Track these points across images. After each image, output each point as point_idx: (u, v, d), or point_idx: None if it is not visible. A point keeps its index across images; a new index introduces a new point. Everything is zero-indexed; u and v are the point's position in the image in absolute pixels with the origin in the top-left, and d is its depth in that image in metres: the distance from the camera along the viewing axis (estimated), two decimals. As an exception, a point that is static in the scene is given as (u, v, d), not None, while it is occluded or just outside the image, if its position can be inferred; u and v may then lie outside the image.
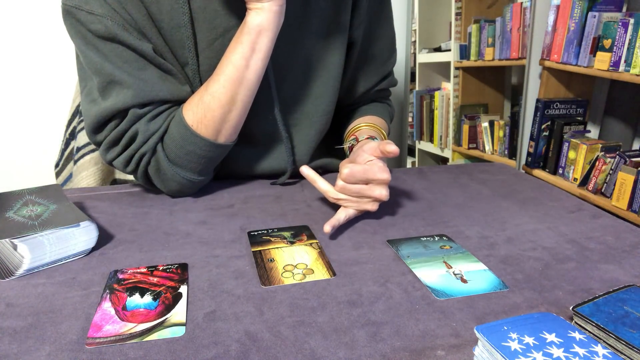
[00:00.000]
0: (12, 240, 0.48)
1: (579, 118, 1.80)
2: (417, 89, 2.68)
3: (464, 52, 2.34)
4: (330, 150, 0.88)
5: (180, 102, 0.70)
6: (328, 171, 0.87)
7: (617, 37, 1.47)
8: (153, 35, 0.67)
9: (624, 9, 1.65)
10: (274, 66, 0.72)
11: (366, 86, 0.86)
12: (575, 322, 0.38)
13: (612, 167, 1.51)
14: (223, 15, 0.68)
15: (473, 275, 0.49)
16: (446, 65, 2.45)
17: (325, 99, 0.80)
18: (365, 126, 0.80)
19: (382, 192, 0.60)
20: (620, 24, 1.47)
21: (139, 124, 0.67)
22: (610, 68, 1.49)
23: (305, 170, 0.63)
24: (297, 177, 0.82)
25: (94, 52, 0.65)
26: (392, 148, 0.59)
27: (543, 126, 1.79)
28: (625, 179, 1.44)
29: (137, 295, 0.45)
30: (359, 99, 0.88)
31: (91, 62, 0.65)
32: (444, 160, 2.61)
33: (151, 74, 0.67)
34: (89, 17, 0.63)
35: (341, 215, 0.60)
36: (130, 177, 0.97)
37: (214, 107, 0.66)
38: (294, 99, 0.78)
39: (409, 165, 2.18)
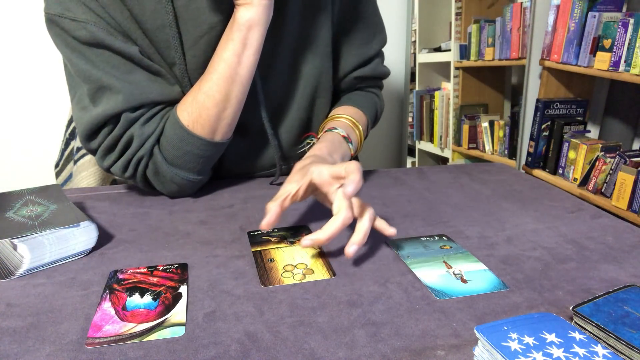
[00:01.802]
0: (12, 240, 0.48)
1: (579, 118, 1.80)
2: (417, 89, 2.68)
3: (464, 52, 2.34)
4: None
5: (172, 102, 0.70)
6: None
7: (617, 37, 1.47)
8: (138, 37, 0.67)
9: (624, 9, 1.65)
10: (259, 65, 0.71)
11: (343, 70, 0.83)
12: (575, 322, 0.38)
13: (612, 167, 1.51)
14: (207, 12, 0.67)
15: (473, 275, 0.49)
16: (446, 65, 2.45)
17: (314, 80, 0.79)
18: (340, 117, 0.78)
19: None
20: (620, 24, 1.47)
21: (133, 128, 0.66)
22: (610, 68, 1.49)
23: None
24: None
25: (80, 59, 0.64)
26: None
27: (543, 126, 1.79)
28: (625, 179, 1.44)
29: (137, 295, 0.45)
30: (339, 85, 0.86)
31: (79, 70, 0.64)
32: (444, 160, 2.61)
33: (140, 77, 0.67)
34: (73, 25, 0.62)
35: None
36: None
37: (209, 105, 0.66)
38: (279, 95, 0.78)
39: (409, 165, 2.18)
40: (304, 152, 0.81)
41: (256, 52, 0.66)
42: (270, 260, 0.52)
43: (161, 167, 0.68)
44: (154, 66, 0.68)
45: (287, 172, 0.82)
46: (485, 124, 2.30)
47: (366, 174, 0.83)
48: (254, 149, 0.80)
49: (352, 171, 0.52)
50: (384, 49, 0.88)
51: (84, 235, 0.53)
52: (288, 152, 0.82)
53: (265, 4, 0.64)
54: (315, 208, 0.67)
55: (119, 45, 0.64)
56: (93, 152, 0.69)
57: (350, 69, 0.83)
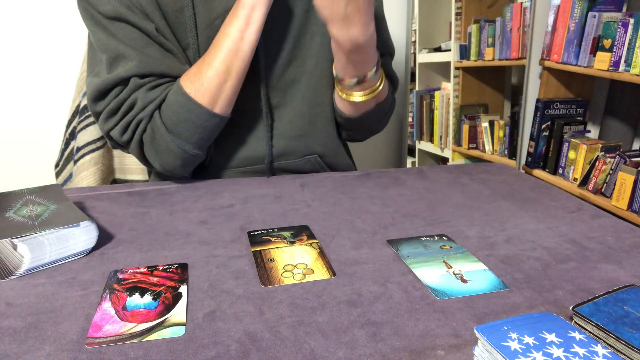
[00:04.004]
0: (12, 240, 0.48)
1: (579, 118, 1.80)
2: (417, 89, 2.68)
3: (464, 52, 2.33)
4: (326, 147, 0.88)
5: (179, 77, 0.74)
6: (318, 167, 0.87)
7: (617, 37, 1.47)
8: (156, 18, 0.73)
9: (624, 9, 1.65)
10: (265, 44, 0.76)
11: None
12: (575, 322, 0.38)
13: (612, 167, 1.51)
14: None
15: (473, 275, 0.49)
16: (446, 65, 2.45)
17: (315, 82, 0.81)
18: None
19: None
20: (620, 24, 1.47)
21: (138, 92, 0.71)
22: (610, 68, 1.49)
23: None
24: (294, 172, 0.82)
25: (102, 31, 0.71)
26: None
27: (543, 126, 1.79)
28: (625, 179, 1.44)
29: (137, 295, 0.45)
30: None
31: (100, 40, 0.72)
32: (444, 160, 2.61)
33: (154, 51, 0.73)
34: (99, 0, 0.70)
35: None
36: (131, 177, 0.97)
37: (212, 75, 0.70)
38: (282, 78, 0.80)
39: (409, 165, 2.18)
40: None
41: (258, 30, 0.71)
42: (270, 260, 0.52)
43: (159, 131, 0.72)
44: (168, 44, 0.74)
45: (281, 169, 0.83)
46: (485, 124, 2.30)
47: (366, 174, 0.83)
48: (244, 136, 0.82)
49: None
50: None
51: (84, 235, 0.53)
52: (284, 147, 0.82)
53: None
54: (315, 208, 0.67)
55: (137, 20, 0.71)
56: (97, 114, 0.74)
57: None
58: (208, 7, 0.73)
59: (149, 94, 0.71)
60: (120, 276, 0.49)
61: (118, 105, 0.71)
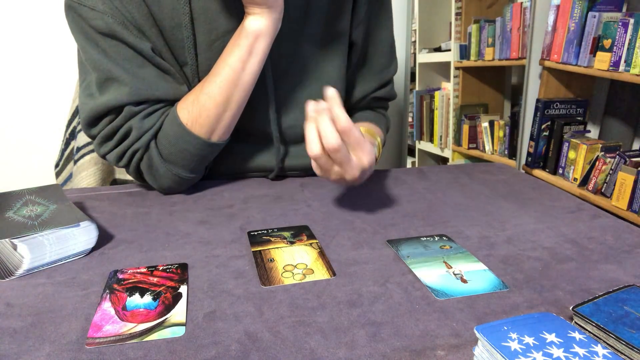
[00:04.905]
0: (12, 240, 0.48)
1: (579, 118, 1.80)
2: (417, 89, 2.68)
3: (464, 52, 2.33)
4: None
5: (175, 101, 0.71)
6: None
7: (617, 37, 1.47)
8: (152, 35, 0.68)
9: (624, 9, 1.65)
10: (273, 67, 0.73)
11: (364, 91, 0.86)
12: (575, 322, 0.38)
13: (612, 167, 1.51)
14: (224, 17, 0.69)
15: (473, 275, 0.49)
16: (446, 65, 2.45)
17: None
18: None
19: (355, 174, 0.59)
20: (620, 24, 1.47)
21: (133, 121, 0.67)
22: (610, 68, 1.49)
23: (330, 93, 0.56)
24: (295, 176, 0.82)
25: (93, 47, 0.66)
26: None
27: (543, 126, 1.79)
28: (625, 179, 1.44)
29: (137, 295, 0.45)
30: (356, 105, 0.88)
31: (90, 58, 0.66)
32: (444, 160, 2.61)
33: (149, 73, 0.68)
34: (91, 13, 0.64)
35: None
36: (131, 177, 0.97)
37: (210, 106, 0.67)
38: (292, 100, 0.78)
39: (409, 165, 2.18)
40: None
41: (261, 60, 0.68)
42: (270, 260, 0.52)
43: (155, 161, 0.69)
44: (165, 64, 0.69)
45: (285, 176, 0.82)
46: (485, 124, 2.30)
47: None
48: (253, 153, 0.80)
49: (364, 164, 0.58)
50: None
51: (84, 235, 0.53)
52: (290, 160, 0.82)
53: (275, 17, 0.65)
54: (315, 208, 0.67)
55: (132, 39, 0.66)
56: (92, 138, 0.71)
57: (371, 90, 0.87)
58: (208, 27, 0.69)
59: (144, 122, 0.68)
60: (120, 276, 0.49)
61: (112, 132, 0.68)
